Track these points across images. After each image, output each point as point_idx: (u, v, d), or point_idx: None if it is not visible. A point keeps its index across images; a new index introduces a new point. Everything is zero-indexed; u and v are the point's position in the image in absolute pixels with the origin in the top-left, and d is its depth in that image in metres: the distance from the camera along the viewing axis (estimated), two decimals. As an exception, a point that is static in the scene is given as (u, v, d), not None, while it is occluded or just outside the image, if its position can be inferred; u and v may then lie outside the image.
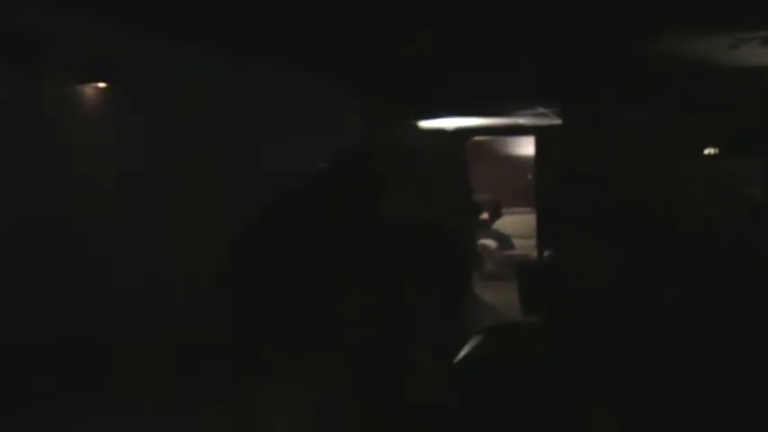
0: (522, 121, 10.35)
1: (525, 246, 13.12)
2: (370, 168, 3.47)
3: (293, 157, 5.55)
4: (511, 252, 13.75)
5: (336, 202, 3.28)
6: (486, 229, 14.27)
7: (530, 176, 13.51)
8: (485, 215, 14.57)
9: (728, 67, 7.81)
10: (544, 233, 10.34)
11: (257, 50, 6.59)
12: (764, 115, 8.67)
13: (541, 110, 9.43)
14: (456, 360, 2.93)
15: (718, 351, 2.80)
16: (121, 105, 6.05)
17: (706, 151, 9.17)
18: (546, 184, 10.28)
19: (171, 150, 6.13)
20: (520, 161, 14.80)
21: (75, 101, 5.82)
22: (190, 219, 6.09)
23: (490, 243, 13.86)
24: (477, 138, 11.80)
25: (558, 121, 9.82)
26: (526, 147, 13.38)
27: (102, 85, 6.05)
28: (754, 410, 2.56)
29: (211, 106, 6.40)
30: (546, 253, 9.81)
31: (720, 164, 8.93)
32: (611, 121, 8.96)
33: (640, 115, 8.87)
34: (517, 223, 14.32)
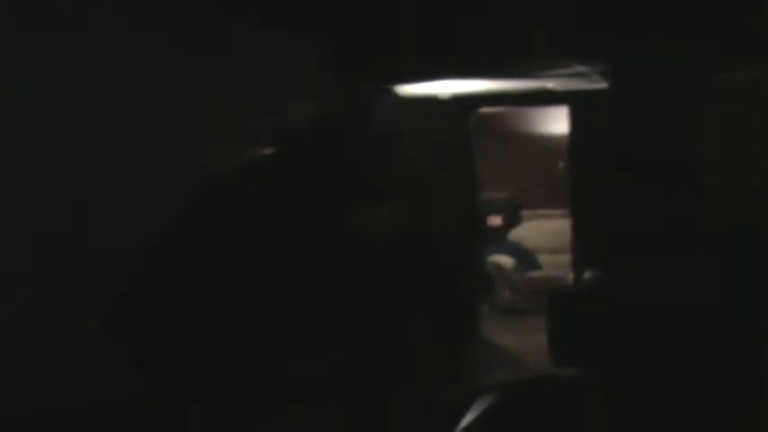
0: (550, 84, 10.34)
1: (555, 264, 13.18)
2: (317, 156, 3.40)
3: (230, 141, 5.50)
4: (535, 273, 13.81)
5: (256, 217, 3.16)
6: (499, 240, 14.29)
7: (561, 164, 13.52)
8: (497, 220, 14.58)
9: None
10: (584, 246, 10.37)
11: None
12: None
13: (579, 68, 9.41)
14: (459, 428, 2.90)
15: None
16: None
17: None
18: (586, 176, 10.28)
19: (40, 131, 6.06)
20: (547, 142, 14.84)
21: None
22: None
23: (505, 260, 13.90)
24: (487, 109, 11.77)
25: (603, 85, 9.80)
26: (556, 122, 13.39)
27: None
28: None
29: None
30: (587, 275, 9.86)
31: None
32: (683, 84, 8.94)
33: (739, 75, 8.87)
34: (543, 232, 14.42)
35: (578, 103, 10.68)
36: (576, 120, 10.83)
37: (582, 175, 10.52)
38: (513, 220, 15.06)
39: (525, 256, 14.22)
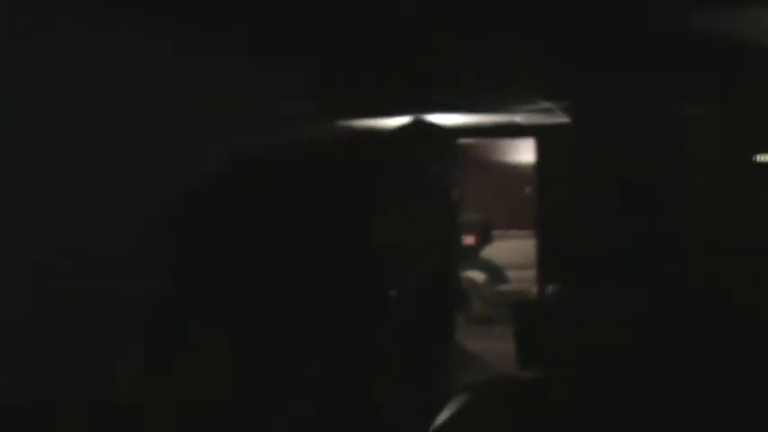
0: (518, 118, 10.31)
1: (522, 279, 13.13)
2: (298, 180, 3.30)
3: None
4: (504, 287, 13.77)
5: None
6: (472, 257, 14.24)
7: (528, 190, 13.49)
8: (470, 239, 14.53)
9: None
10: (547, 263, 10.35)
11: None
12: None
13: (545, 104, 9.38)
14: (433, 427, 2.82)
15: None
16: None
17: (759, 158, 9.18)
18: (550, 200, 10.25)
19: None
20: (515, 170, 14.81)
21: None
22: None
23: (477, 276, 13.85)
24: (463, 140, 11.74)
25: (566, 119, 9.78)
26: (524, 152, 13.36)
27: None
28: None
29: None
30: (550, 288, 9.81)
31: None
32: (636, 118, 8.94)
33: (678, 110, 8.87)
34: (511, 250, 14.39)
35: (543, 136, 10.68)
36: (541, 150, 10.83)
37: (546, 199, 10.52)
38: (485, 240, 15.04)
39: (495, 272, 14.21)
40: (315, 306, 2.99)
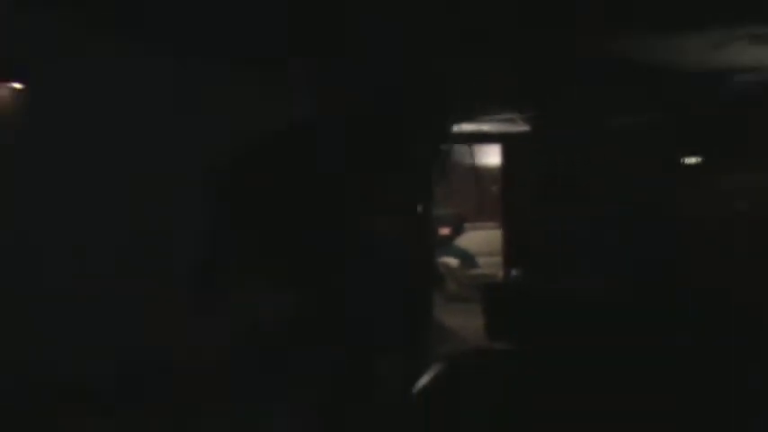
0: (486, 127, 10.47)
1: (490, 264, 13.28)
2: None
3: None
4: (475, 271, 13.91)
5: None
6: (447, 245, 14.40)
7: (494, 188, 13.64)
8: (446, 230, 14.67)
9: (712, 68, 7.99)
10: (511, 251, 10.52)
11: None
12: (752, 121, 8.85)
13: (508, 115, 9.55)
14: (414, 391, 3.10)
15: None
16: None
17: (687, 160, 9.37)
18: (513, 197, 10.44)
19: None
20: (484, 171, 14.95)
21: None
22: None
23: (452, 261, 14.01)
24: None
25: (526, 128, 9.95)
26: (491, 156, 13.52)
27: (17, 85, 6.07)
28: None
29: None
30: (513, 272, 10.00)
31: (703, 175, 9.13)
32: (584, 128, 9.11)
33: (617, 121, 9.04)
34: (481, 240, 14.49)
35: (508, 142, 10.82)
36: (505, 154, 10.97)
37: (510, 196, 10.67)
38: (458, 231, 15.17)
39: (467, 258, 14.33)
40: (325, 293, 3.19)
